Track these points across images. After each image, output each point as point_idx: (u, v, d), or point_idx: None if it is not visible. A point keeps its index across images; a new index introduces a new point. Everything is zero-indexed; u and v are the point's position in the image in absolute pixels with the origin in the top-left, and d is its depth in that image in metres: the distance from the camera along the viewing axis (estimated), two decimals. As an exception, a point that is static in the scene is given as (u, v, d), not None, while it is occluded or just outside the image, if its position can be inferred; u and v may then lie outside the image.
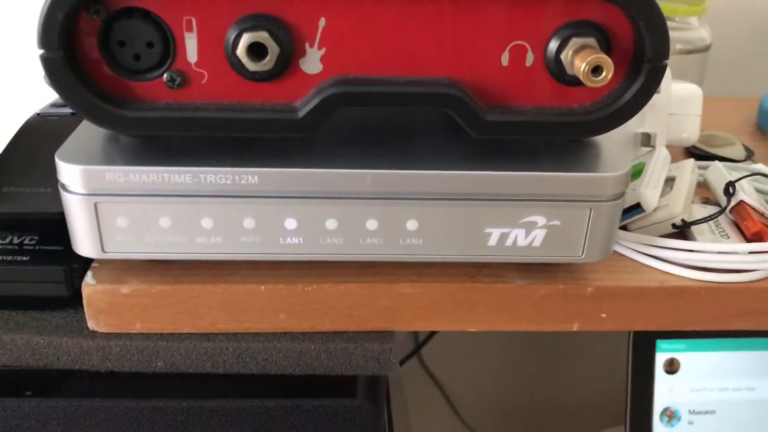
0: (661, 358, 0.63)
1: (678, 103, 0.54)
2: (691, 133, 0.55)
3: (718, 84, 0.72)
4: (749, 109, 0.70)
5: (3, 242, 0.43)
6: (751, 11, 0.79)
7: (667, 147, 0.52)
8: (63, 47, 0.34)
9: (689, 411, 0.64)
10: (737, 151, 0.60)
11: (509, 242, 0.39)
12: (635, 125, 0.51)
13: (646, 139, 0.51)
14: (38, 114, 0.50)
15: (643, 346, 0.63)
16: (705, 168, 0.54)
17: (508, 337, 0.97)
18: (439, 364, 0.96)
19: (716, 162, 0.53)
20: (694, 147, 0.59)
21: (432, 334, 0.90)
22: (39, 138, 0.47)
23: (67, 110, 0.51)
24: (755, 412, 0.65)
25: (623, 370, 0.64)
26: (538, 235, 0.39)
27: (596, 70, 0.34)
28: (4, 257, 0.42)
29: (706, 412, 0.65)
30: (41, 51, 0.34)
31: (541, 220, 0.38)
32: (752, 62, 0.81)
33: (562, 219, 0.38)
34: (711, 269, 0.43)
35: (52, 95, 0.58)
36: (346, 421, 0.42)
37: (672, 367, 0.63)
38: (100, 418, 0.42)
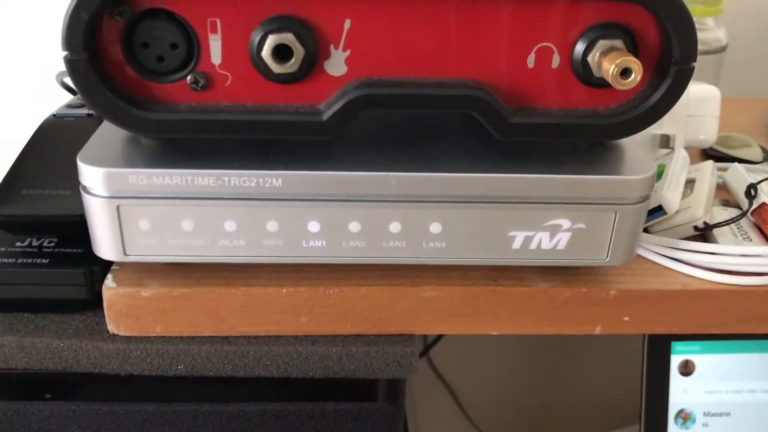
0: (676, 360, 0.63)
1: (696, 105, 0.54)
2: (708, 134, 0.55)
3: (734, 84, 0.72)
4: (765, 110, 0.70)
5: (22, 245, 0.43)
6: (763, 12, 0.79)
7: (685, 148, 0.52)
8: (87, 49, 0.34)
9: (704, 413, 0.64)
10: (754, 153, 0.60)
11: (533, 245, 0.39)
12: (654, 127, 0.51)
13: (665, 141, 0.51)
14: (54, 115, 0.50)
15: (658, 347, 0.63)
16: (724, 170, 0.53)
17: (518, 338, 0.97)
18: (448, 365, 0.96)
19: (735, 164, 0.53)
20: (710, 148, 0.59)
21: (441, 335, 0.90)
22: (56, 139, 0.47)
23: (83, 111, 0.51)
24: (770, 414, 0.65)
25: (635, 372, 0.63)
26: (563, 238, 0.39)
27: (625, 72, 0.34)
28: (24, 260, 0.42)
29: (721, 414, 0.64)
30: (65, 52, 0.34)
31: (565, 223, 0.38)
32: (765, 62, 0.81)
33: (587, 222, 0.38)
34: (733, 272, 0.43)
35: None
36: (366, 425, 0.42)
37: (687, 369, 0.63)
38: (120, 422, 0.42)
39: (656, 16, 0.35)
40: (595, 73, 0.36)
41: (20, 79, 0.78)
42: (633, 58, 0.34)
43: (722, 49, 0.64)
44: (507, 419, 1.02)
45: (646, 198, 0.38)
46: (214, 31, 0.35)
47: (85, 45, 0.33)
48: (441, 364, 0.96)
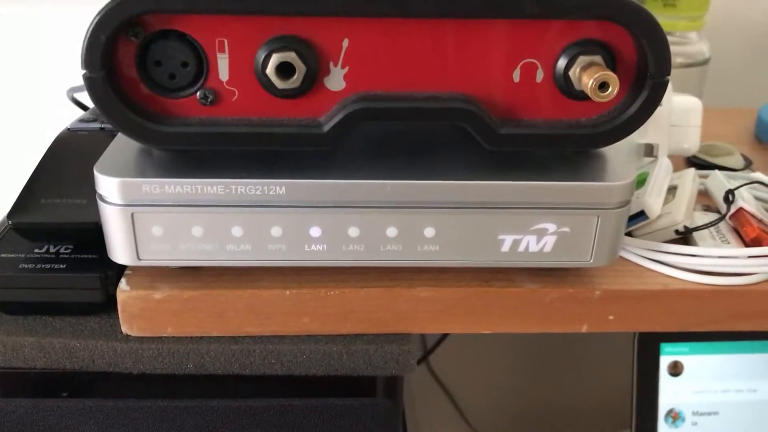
0: (665, 361, 0.65)
1: (679, 115, 0.56)
2: (691, 143, 0.57)
3: (717, 95, 0.74)
4: (747, 120, 0.72)
5: (40, 251, 0.45)
6: (748, 25, 0.82)
7: (669, 157, 0.55)
8: (104, 67, 0.36)
9: (693, 412, 0.66)
10: (736, 161, 0.62)
11: (521, 248, 0.41)
12: (638, 136, 0.53)
13: (649, 150, 0.54)
14: (68, 129, 0.52)
15: (648, 349, 0.65)
16: (705, 177, 0.56)
17: (514, 344, 0.99)
18: (447, 370, 0.98)
19: (716, 171, 0.55)
20: (694, 157, 0.61)
21: (440, 340, 0.92)
22: (70, 152, 0.49)
23: (95, 125, 0.53)
24: (757, 413, 0.67)
25: (628, 374, 0.65)
26: (549, 241, 0.41)
27: (603, 86, 0.36)
28: (42, 265, 0.44)
29: (710, 414, 0.66)
30: (84, 71, 0.36)
31: (551, 227, 0.41)
32: (750, 74, 0.83)
33: (572, 226, 0.41)
34: (712, 273, 0.45)
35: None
36: (366, 419, 0.44)
37: (676, 369, 0.65)
38: (133, 417, 0.44)
39: (633, 34, 0.37)
40: (576, 86, 0.38)
41: (30, 94, 0.80)
42: (610, 73, 0.36)
43: (705, 62, 0.66)
44: (504, 422, 1.04)
45: (627, 203, 0.41)
46: (222, 50, 0.37)
47: (103, 64, 0.36)
48: (440, 370, 0.97)
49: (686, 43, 0.66)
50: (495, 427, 1.03)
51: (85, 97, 0.62)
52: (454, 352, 0.95)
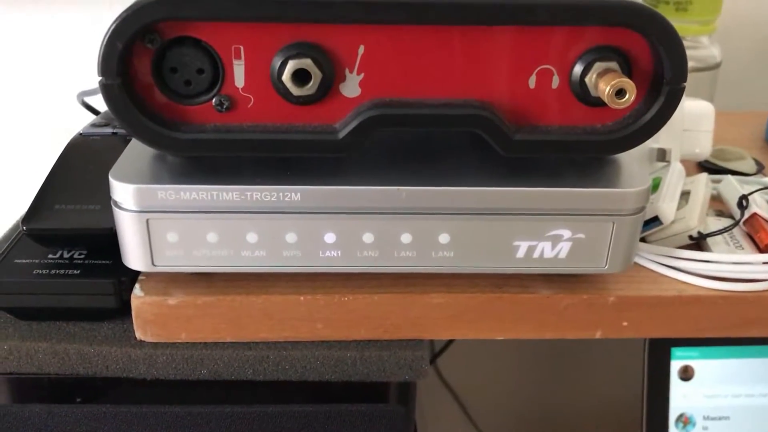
0: (675, 366, 0.65)
1: (691, 120, 0.56)
2: (703, 148, 0.57)
3: (728, 99, 0.74)
4: (758, 124, 0.72)
5: (54, 257, 0.45)
6: (759, 30, 0.81)
7: (681, 161, 0.54)
8: (120, 74, 0.36)
9: (704, 417, 0.66)
10: (748, 165, 0.62)
11: (536, 254, 0.41)
12: (651, 141, 0.53)
13: (662, 155, 0.54)
14: (80, 134, 0.52)
15: (659, 354, 0.64)
16: (718, 182, 0.56)
17: (522, 347, 0.99)
18: (455, 373, 0.98)
19: (729, 176, 0.55)
20: (706, 161, 0.61)
21: (448, 344, 0.92)
22: (83, 157, 0.49)
23: (108, 130, 0.53)
24: (768, 417, 0.66)
25: (637, 378, 0.65)
26: (564, 248, 0.41)
27: (620, 92, 0.36)
28: (56, 271, 0.44)
29: (720, 418, 0.66)
30: (100, 78, 0.36)
31: (566, 233, 0.41)
32: (761, 78, 0.83)
33: (587, 232, 0.40)
34: (726, 279, 0.45)
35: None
36: (379, 425, 0.44)
37: (686, 374, 0.65)
38: (146, 423, 0.44)
39: (649, 40, 0.37)
40: (592, 93, 0.38)
41: (40, 98, 0.81)
42: (627, 80, 0.36)
43: (716, 66, 0.66)
44: (512, 426, 1.04)
45: (642, 209, 0.41)
46: (237, 56, 0.37)
47: (119, 71, 0.36)
48: (448, 373, 0.97)
49: (698, 48, 0.66)
50: (502, 429, 1.03)
51: (95, 102, 0.62)
52: (462, 355, 0.95)
